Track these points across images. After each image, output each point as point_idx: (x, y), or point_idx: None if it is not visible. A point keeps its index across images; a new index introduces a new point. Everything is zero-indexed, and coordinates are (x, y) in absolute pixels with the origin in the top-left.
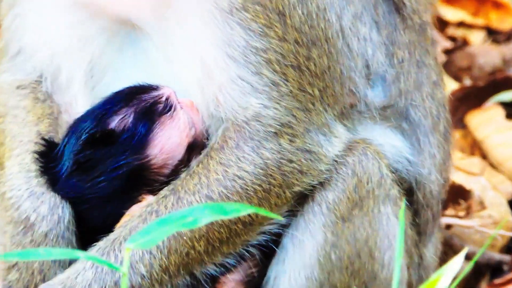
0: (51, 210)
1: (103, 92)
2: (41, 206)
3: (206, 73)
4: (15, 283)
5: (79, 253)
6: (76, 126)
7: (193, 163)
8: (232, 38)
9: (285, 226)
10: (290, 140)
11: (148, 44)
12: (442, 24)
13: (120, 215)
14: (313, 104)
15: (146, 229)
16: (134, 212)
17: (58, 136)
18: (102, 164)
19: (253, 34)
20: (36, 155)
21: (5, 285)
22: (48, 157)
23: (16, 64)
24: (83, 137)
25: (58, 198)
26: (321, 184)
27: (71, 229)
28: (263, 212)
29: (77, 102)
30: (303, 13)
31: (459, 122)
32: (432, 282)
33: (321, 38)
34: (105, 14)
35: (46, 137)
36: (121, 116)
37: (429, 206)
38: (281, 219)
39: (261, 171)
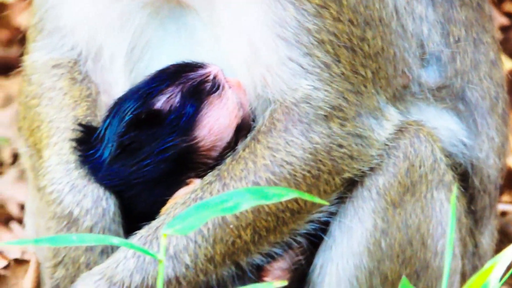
0: (94, 203)
1: (145, 71)
2: (84, 199)
3: (254, 53)
4: (62, 280)
5: (115, 239)
6: (118, 107)
7: (239, 147)
8: (283, 19)
9: (334, 214)
10: (341, 124)
11: (193, 21)
12: None
13: (166, 201)
14: (365, 86)
15: (184, 214)
16: (180, 197)
17: (97, 119)
18: (148, 146)
19: (306, 14)
20: (74, 144)
21: (52, 283)
22: (87, 143)
23: (53, 42)
24: (127, 118)
25: (101, 190)
26: (371, 168)
27: (117, 221)
28: (307, 196)
29: (118, 82)
30: None
31: None
32: (486, 271)
33: (375, 18)
34: None
35: (84, 122)
36: (167, 96)
37: (487, 191)
38: (328, 204)
39: (310, 156)
